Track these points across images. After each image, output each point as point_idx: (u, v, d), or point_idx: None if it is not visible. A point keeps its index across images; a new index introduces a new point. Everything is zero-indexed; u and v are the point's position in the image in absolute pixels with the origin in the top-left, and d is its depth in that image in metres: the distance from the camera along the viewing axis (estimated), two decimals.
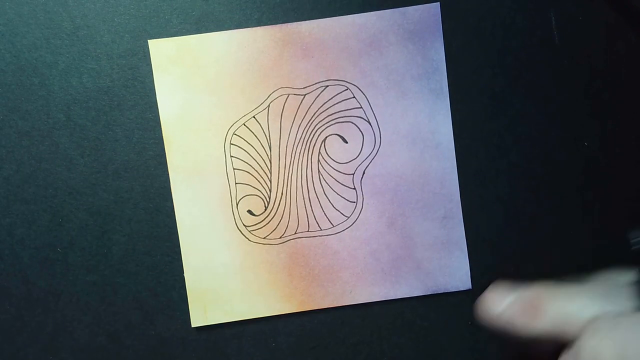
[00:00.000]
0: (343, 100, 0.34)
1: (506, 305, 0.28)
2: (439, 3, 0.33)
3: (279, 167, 0.34)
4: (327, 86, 0.34)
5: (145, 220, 0.34)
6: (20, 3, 0.33)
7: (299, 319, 0.35)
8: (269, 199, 0.34)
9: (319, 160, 0.34)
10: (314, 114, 0.34)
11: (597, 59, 0.33)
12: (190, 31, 0.33)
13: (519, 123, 0.34)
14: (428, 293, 0.34)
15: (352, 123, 0.34)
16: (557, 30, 0.33)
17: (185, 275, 0.34)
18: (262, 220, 0.34)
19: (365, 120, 0.34)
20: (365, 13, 0.33)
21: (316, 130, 0.34)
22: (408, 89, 0.34)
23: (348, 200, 0.34)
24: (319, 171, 0.34)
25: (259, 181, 0.34)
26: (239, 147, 0.34)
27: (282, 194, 0.34)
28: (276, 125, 0.34)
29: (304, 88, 0.34)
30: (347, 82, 0.33)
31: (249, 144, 0.34)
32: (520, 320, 0.27)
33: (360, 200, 0.34)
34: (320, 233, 0.34)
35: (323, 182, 0.34)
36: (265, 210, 0.34)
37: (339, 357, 0.35)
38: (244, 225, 0.34)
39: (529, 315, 0.26)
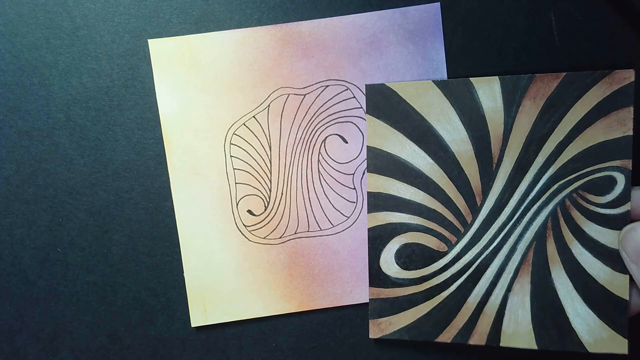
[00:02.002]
0: (343, 100, 0.34)
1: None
2: (439, 3, 0.33)
3: (279, 167, 0.34)
4: (327, 86, 0.34)
5: (145, 220, 0.34)
6: (20, 3, 0.33)
7: (299, 319, 0.35)
8: (269, 199, 0.34)
9: (319, 160, 0.34)
10: (314, 114, 0.34)
11: (597, 59, 0.33)
12: (190, 31, 0.33)
13: None
14: None
15: (352, 123, 0.34)
16: (557, 30, 0.33)
17: (185, 275, 0.34)
18: (262, 220, 0.34)
19: (365, 120, 0.34)
20: (365, 13, 0.33)
21: (316, 130, 0.34)
22: None
23: (348, 200, 0.34)
24: (319, 171, 0.34)
25: (259, 181, 0.34)
26: (239, 147, 0.34)
27: (282, 194, 0.34)
28: (276, 125, 0.34)
29: (304, 88, 0.34)
30: (347, 82, 0.33)
31: (249, 144, 0.34)
32: None
33: (360, 200, 0.34)
34: (320, 233, 0.34)
35: (323, 182, 0.34)
36: (265, 210, 0.34)
37: (339, 357, 0.35)
38: (244, 225, 0.34)
39: None
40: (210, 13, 0.33)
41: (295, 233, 0.34)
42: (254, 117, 0.34)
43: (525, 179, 0.32)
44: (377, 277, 0.33)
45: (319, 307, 0.34)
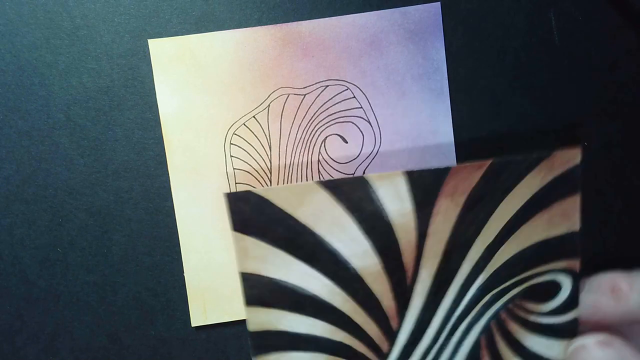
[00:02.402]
0: (343, 100, 0.34)
1: (587, 288, 0.26)
2: (439, 3, 0.33)
3: (279, 167, 0.34)
4: (327, 86, 0.34)
5: (145, 220, 0.34)
6: (20, 3, 0.33)
7: None
8: None
9: (319, 160, 0.34)
10: (314, 114, 0.34)
11: (597, 59, 0.33)
12: (190, 31, 0.33)
13: (519, 123, 0.34)
14: None
15: (352, 123, 0.34)
16: (557, 30, 0.33)
17: (185, 275, 0.34)
18: None
19: (366, 120, 0.34)
20: (365, 13, 0.33)
21: (316, 130, 0.34)
22: (408, 89, 0.34)
23: None
24: (319, 171, 0.34)
25: (259, 181, 0.34)
26: (239, 147, 0.34)
27: None
28: (276, 125, 0.34)
29: (304, 88, 0.34)
30: (347, 82, 0.33)
31: (249, 143, 0.34)
32: (604, 303, 0.25)
33: None
34: None
35: None
36: None
37: None
38: None
39: (613, 298, 0.25)
40: (210, 13, 0.33)
41: None
42: (254, 117, 0.34)
43: (450, 292, 0.26)
44: None
45: None
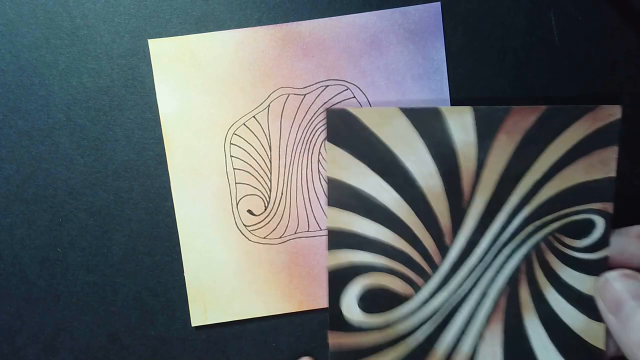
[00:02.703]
0: (343, 100, 0.34)
1: (617, 234, 0.29)
2: (439, 3, 0.33)
3: (279, 167, 0.34)
4: (328, 86, 0.34)
5: (145, 220, 0.34)
6: (20, 3, 0.33)
7: (299, 319, 0.35)
8: (269, 198, 0.34)
9: (319, 160, 0.34)
10: (314, 114, 0.34)
11: (597, 59, 0.33)
12: (190, 31, 0.33)
13: None
14: None
15: None
16: (557, 30, 0.33)
17: (185, 275, 0.34)
18: (262, 220, 0.34)
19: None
20: (365, 13, 0.33)
21: (316, 130, 0.34)
22: (408, 89, 0.34)
23: None
24: (319, 171, 0.34)
25: (259, 181, 0.34)
26: (239, 147, 0.34)
27: (282, 193, 0.34)
28: (276, 125, 0.34)
29: (304, 88, 0.34)
30: (347, 82, 0.33)
31: (249, 143, 0.34)
32: (630, 247, 0.29)
33: None
34: (320, 233, 0.34)
35: (323, 182, 0.34)
36: (265, 210, 0.34)
37: None
38: (244, 225, 0.34)
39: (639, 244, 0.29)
40: (210, 13, 0.33)
41: (295, 233, 0.34)
42: (254, 117, 0.34)
43: (498, 218, 0.30)
44: (337, 322, 0.30)
45: (319, 307, 0.34)
